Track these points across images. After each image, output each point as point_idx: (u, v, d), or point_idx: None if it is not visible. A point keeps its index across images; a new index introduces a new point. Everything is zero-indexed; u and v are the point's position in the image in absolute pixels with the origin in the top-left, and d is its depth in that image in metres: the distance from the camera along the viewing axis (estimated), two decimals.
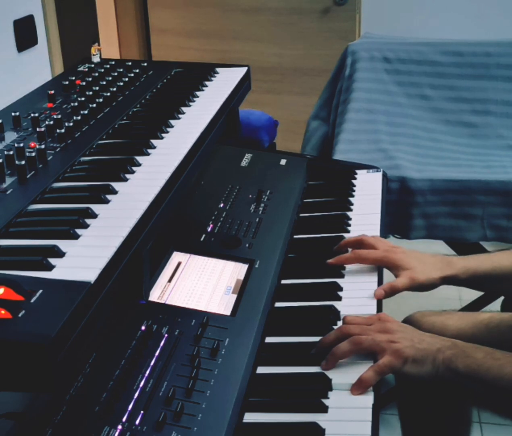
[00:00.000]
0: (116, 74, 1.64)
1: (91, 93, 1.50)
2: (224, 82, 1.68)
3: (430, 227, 2.18)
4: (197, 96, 1.58)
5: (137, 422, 0.97)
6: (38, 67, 2.02)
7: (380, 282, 1.37)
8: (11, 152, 1.19)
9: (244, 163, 1.79)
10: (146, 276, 1.12)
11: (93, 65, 1.70)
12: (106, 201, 1.09)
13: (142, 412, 0.98)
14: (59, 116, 1.36)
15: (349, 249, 1.44)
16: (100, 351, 1.07)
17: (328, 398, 1.07)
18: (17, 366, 0.78)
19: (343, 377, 1.11)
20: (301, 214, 1.64)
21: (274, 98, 3.33)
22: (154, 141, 1.32)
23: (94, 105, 1.43)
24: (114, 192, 1.12)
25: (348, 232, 1.54)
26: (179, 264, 1.34)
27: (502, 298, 2.35)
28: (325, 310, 1.27)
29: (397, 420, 1.62)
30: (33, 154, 1.18)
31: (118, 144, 1.33)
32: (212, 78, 1.70)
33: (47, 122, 1.33)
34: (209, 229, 1.47)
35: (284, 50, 3.30)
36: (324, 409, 1.05)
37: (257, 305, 1.26)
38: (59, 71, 2.10)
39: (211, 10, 3.35)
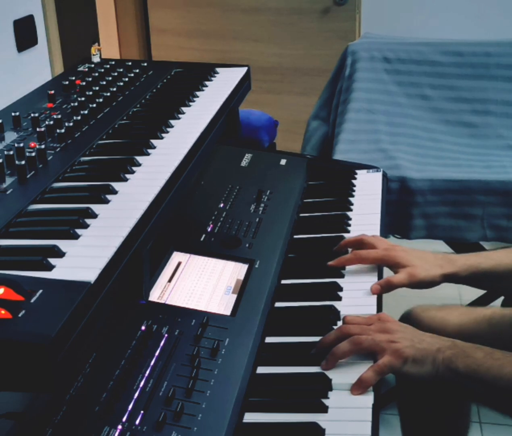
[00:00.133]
0: (116, 74, 1.64)
1: (91, 93, 1.50)
2: (224, 82, 1.68)
3: (430, 227, 2.18)
4: (197, 96, 1.58)
5: (137, 422, 0.97)
6: (38, 67, 2.02)
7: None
8: (11, 152, 1.19)
9: (244, 163, 1.79)
10: (146, 276, 1.12)
11: (93, 65, 1.70)
12: (106, 201, 1.09)
13: (142, 412, 0.98)
14: (59, 116, 1.36)
15: (349, 249, 1.44)
16: (100, 351, 1.07)
17: (328, 398, 1.07)
18: (17, 366, 0.78)
19: (343, 377, 1.11)
20: (301, 215, 1.64)
21: (274, 98, 3.33)
22: (154, 141, 1.32)
23: (94, 105, 1.43)
24: (114, 192, 1.12)
25: (348, 232, 1.54)
26: (179, 264, 1.34)
27: (502, 297, 2.35)
28: (325, 310, 1.27)
29: (397, 420, 1.62)
30: (33, 154, 1.18)
31: (118, 144, 1.33)
32: (212, 78, 1.70)
33: (47, 122, 1.33)
34: (209, 229, 1.47)
35: (284, 50, 3.30)
36: (324, 409, 1.05)
37: (257, 305, 1.26)
38: (59, 71, 2.10)
39: (211, 10, 3.35)
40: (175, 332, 1.14)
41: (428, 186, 2.15)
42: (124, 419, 0.97)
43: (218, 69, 1.76)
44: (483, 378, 1.10)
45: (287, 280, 1.38)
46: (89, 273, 0.88)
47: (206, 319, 1.17)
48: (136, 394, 1.01)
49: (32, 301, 0.82)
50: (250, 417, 1.04)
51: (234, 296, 1.27)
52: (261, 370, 1.14)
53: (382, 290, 1.32)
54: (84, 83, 1.57)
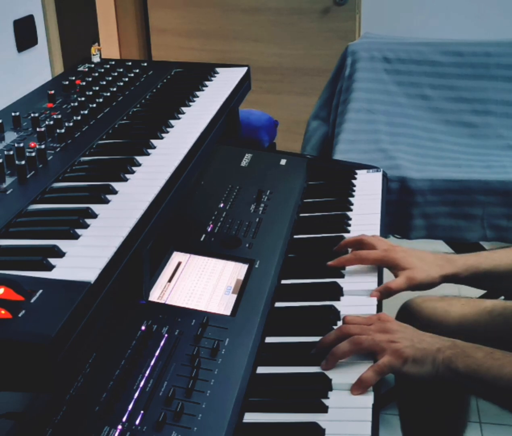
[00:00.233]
0: (116, 74, 1.64)
1: (91, 93, 1.50)
2: (224, 82, 1.68)
3: (430, 227, 2.18)
4: (197, 96, 1.58)
5: (137, 422, 0.97)
6: (38, 67, 2.02)
7: (380, 281, 1.37)
8: (11, 152, 1.19)
9: (244, 163, 1.79)
10: (146, 276, 1.12)
11: (93, 65, 1.70)
12: (106, 201, 1.09)
13: (142, 412, 0.98)
14: (59, 116, 1.36)
15: (349, 249, 1.44)
16: (100, 351, 1.07)
17: (328, 398, 1.07)
18: (17, 366, 0.78)
19: (343, 377, 1.11)
20: (301, 215, 1.64)
21: (274, 98, 3.33)
22: (154, 141, 1.32)
23: (94, 105, 1.43)
24: (114, 192, 1.12)
25: (348, 232, 1.54)
26: (179, 264, 1.34)
27: (502, 298, 2.35)
28: (325, 310, 1.27)
29: (397, 420, 1.62)
30: (33, 154, 1.18)
31: (118, 144, 1.33)
32: (212, 78, 1.70)
33: (47, 122, 1.33)
34: (209, 229, 1.47)
35: (284, 50, 3.30)
36: (324, 409, 1.05)
37: (257, 305, 1.25)
38: (59, 71, 2.10)
39: (211, 10, 3.35)
40: (175, 332, 1.14)
41: (428, 186, 2.15)
42: (124, 419, 0.97)
43: (218, 69, 1.76)
44: (483, 378, 1.10)
45: (287, 280, 1.38)
46: (89, 273, 0.88)
47: (206, 319, 1.17)
48: (136, 394, 1.01)
49: (32, 301, 0.82)
50: (250, 417, 1.04)
51: (234, 296, 1.27)
52: (261, 370, 1.14)
53: (381, 296, 1.32)
54: (84, 83, 1.57)
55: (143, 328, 1.13)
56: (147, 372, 1.05)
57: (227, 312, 1.23)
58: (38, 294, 0.83)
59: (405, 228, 2.19)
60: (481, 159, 2.32)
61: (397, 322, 1.21)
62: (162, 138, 1.34)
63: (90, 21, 2.76)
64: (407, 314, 1.49)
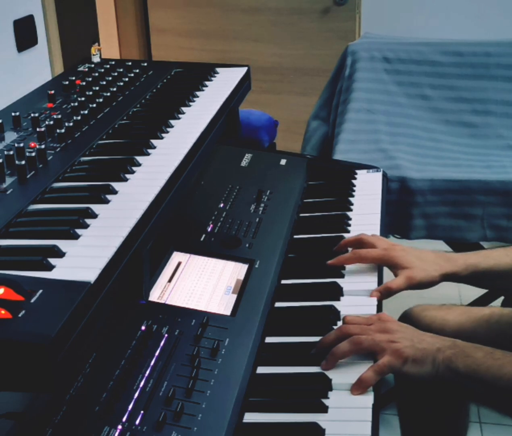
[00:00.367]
0: (116, 74, 1.64)
1: (91, 93, 1.50)
2: (224, 82, 1.68)
3: (430, 227, 2.18)
4: (197, 96, 1.58)
5: (137, 422, 0.97)
6: (38, 67, 2.02)
7: (380, 281, 1.37)
8: (11, 152, 1.19)
9: (244, 163, 1.79)
10: (146, 276, 1.12)
11: (93, 65, 1.70)
12: (106, 201, 1.09)
13: (142, 412, 0.98)
14: (59, 116, 1.36)
15: (349, 249, 1.44)
16: (100, 351, 1.07)
17: (328, 398, 1.07)
18: (17, 366, 0.78)
19: (343, 377, 1.11)
20: (301, 214, 1.64)
21: (274, 98, 3.33)
22: (154, 141, 1.32)
23: (94, 105, 1.43)
24: (114, 192, 1.12)
25: (348, 232, 1.54)
26: (179, 264, 1.34)
27: (502, 297, 2.35)
28: (325, 310, 1.27)
29: (397, 420, 1.62)
30: (33, 154, 1.18)
31: (118, 144, 1.33)
32: (212, 78, 1.70)
33: (47, 122, 1.33)
34: (209, 229, 1.47)
35: (284, 50, 3.30)
36: (324, 409, 1.05)
37: (257, 305, 1.25)
38: (59, 71, 2.10)
39: (211, 10, 3.35)
40: (175, 332, 1.14)
41: (428, 186, 2.15)
42: (124, 419, 0.97)
43: (218, 69, 1.76)
44: (483, 377, 1.10)
45: (287, 280, 1.38)
46: (89, 273, 0.88)
47: (206, 319, 1.17)
48: (136, 394, 1.01)
49: (32, 301, 0.82)
50: (250, 417, 1.04)
51: (234, 296, 1.27)
52: (261, 370, 1.14)
53: (381, 296, 1.32)
54: (84, 83, 1.57)
55: (143, 328, 1.13)
56: (147, 372, 1.05)
57: (227, 312, 1.23)
58: (38, 294, 0.83)
59: (405, 228, 2.19)
60: (481, 159, 2.32)
61: (397, 322, 1.22)
62: (162, 138, 1.34)
63: (90, 21, 2.76)
64: (406, 322, 1.49)
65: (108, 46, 3.40)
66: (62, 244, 0.95)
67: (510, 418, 1.23)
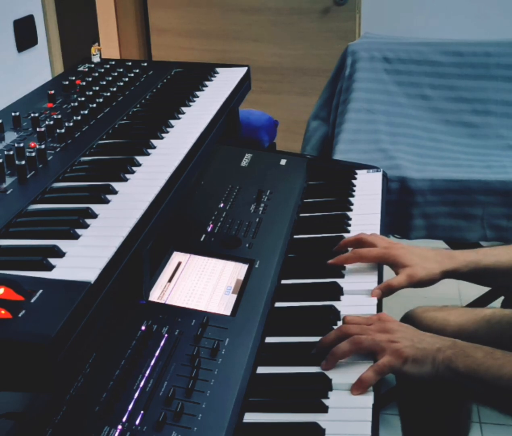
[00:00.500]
0: (116, 74, 1.64)
1: (91, 93, 1.50)
2: (224, 82, 1.68)
3: (430, 227, 2.18)
4: (197, 96, 1.58)
5: (137, 422, 0.97)
6: (38, 67, 2.02)
7: (380, 281, 1.37)
8: (11, 152, 1.19)
9: (244, 163, 1.79)
10: (146, 276, 1.12)
11: (93, 65, 1.70)
12: (106, 201, 1.09)
13: (142, 412, 0.98)
14: (59, 116, 1.36)
15: (349, 249, 1.44)
16: (100, 351, 1.07)
17: (328, 398, 1.07)
18: (17, 366, 0.78)
19: (343, 377, 1.10)
20: (301, 214, 1.64)
21: (274, 98, 3.33)
22: (154, 141, 1.32)
23: (94, 105, 1.43)
24: (114, 192, 1.12)
25: (348, 232, 1.54)
26: (179, 264, 1.34)
27: (502, 297, 2.35)
28: (325, 310, 1.27)
29: (397, 420, 1.62)
30: (33, 154, 1.18)
31: (118, 144, 1.33)
32: (212, 78, 1.70)
33: (47, 122, 1.33)
34: (209, 229, 1.47)
35: (284, 50, 3.30)
36: (324, 409, 1.05)
37: (257, 305, 1.25)
38: (59, 71, 2.10)
39: (211, 10, 3.35)
40: (175, 332, 1.14)
41: (428, 186, 2.15)
42: (124, 419, 0.97)
43: (218, 69, 1.76)
44: (483, 377, 1.10)
45: (287, 280, 1.38)
46: (89, 273, 0.88)
47: (206, 319, 1.17)
48: (136, 394, 1.01)
49: (32, 301, 0.82)
50: (250, 417, 1.04)
51: (234, 296, 1.27)
52: (261, 370, 1.14)
53: (382, 294, 1.32)
54: (84, 83, 1.57)
55: (143, 328, 1.13)
56: (147, 372, 1.05)
57: (227, 312, 1.23)
58: (38, 294, 0.83)
59: (405, 228, 2.19)
60: (481, 159, 2.32)
61: (397, 322, 1.21)
62: (162, 138, 1.34)
63: (90, 21, 2.76)
64: (408, 324, 1.49)
65: (108, 46, 3.41)
66: (62, 244, 0.95)
67: (510, 418, 1.23)
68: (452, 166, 2.26)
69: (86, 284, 0.86)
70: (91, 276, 0.88)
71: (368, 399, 1.07)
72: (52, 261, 0.91)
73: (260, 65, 3.20)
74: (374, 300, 1.30)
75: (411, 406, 1.56)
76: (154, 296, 1.24)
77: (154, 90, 1.61)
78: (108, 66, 1.69)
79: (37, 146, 1.22)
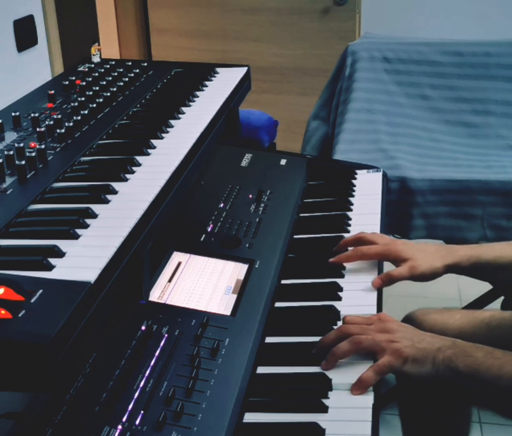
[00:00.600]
0: (116, 74, 1.64)
1: (91, 93, 1.50)
2: (224, 82, 1.68)
3: (430, 227, 2.18)
4: (197, 96, 1.58)
5: (137, 422, 0.97)
6: (38, 67, 2.02)
7: None
8: (11, 152, 1.19)
9: (244, 163, 1.79)
10: (146, 276, 1.12)
11: (93, 65, 1.70)
12: (106, 201, 1.09)
13: (142, 412, 0.98)
14: (59, 116, 1.36)
15: (349, 248, 1.44)
16: (100, 351, 1.07)
17: (328, 398, 1.07)
18: (17, 366, 0.78)
19: (343, 377, 1.10)
20: (301, 214, 1.64)
21: (274, 98, 3.33)
22: (154, 141, 1.32)
23: (94, 105, 1.43)
24: (114, 192, 1.12)
25: (348, 232, 1.54)
26: (179, 264, 1.34)
27: (502, 298, 2.35)
28: (325, 310, 1.27)
29: (397, 420, 1.62)
30: (33, 154, 1.18)
31: (118, 144, 1.33)
32: (212, 78, 1.70)
33: (47, 122, 1.33)
34: (209, 229, 1.47)
35: (284, 50, 3.31)
36: (324, 409, 1.05)
37: (257, 305, 1.25)
38: (59, 71, 2.10)
39: (211, 10, 3.35)
40: (175, 332, 1.14)
41: (428, 186, 2.16)
42: (124, 419, 0.97)
43: (218, 69, 1.76)
44: (483, 377, 1.10)
45: (287, 280, 1.38)
46: (89, 273, 0.88)
47: (206, 319, 1.17)
48: (136, 394, 1.01)
49: (32, 301, 0.82)
50: (250, 417, 1.04)
51: (234, 296, 1.27)
52: (261, 370, 1.14)
53: (383, 284, 1.32)
54: (84, 83, 1.57)
55: (143, 328, 1.13)
56: (147, 372, 1.05)
57: (227, 312, 1.23)
58: (38, 294, 0.83)
59: (405, 228, 2.19)
60: (481, 159, 2.32)
61: (397, 321, 1.21)
62: (162, 138, 1.34)
63: (90, 21, 2.76)
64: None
65: (108, 46, 3.40)
66: (62, 244, 0.95)
67: (510, 419, 1.23)
68: (452, 166, 2.26)
69: (86, 284, 0.86)
70: (91, 276, 0.88)
71: (368, 399, 1.07)
72: (52, 261, 0.91)
73: (260, 65, 3.20)
74: (374, 300, 1.30)
75: (411, 406, 1.56)
76: (154, 296, 1.24)
77: (154, 90, 1.61)
78: (108, 66, 1.69)
79: (37, 146, 1.22)
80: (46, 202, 1.10)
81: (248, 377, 1.10)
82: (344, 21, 3.18)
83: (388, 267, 1.39)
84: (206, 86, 1.65)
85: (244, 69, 1.75)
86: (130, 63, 1.71)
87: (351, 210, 1.64)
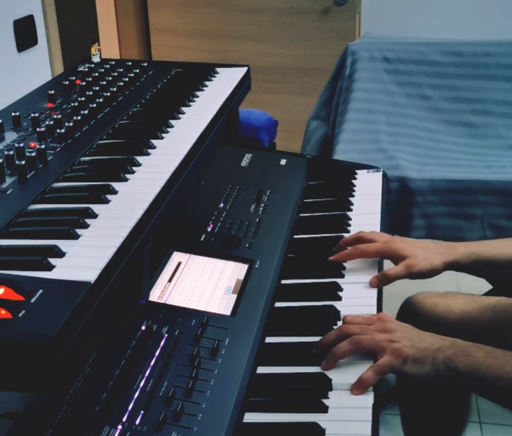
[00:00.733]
0: (116, 74, 1.64)
1: (91, 93, 1.50)
2: (224, 82, 1.68)
3: (430, 227, 2.18)
4: (197, 96, 1.58)
5: (137, 422, 0.97)
6: (38, 67, 2.02)
7: None
8: (11, 152, 1.19)
9: (244, 163, 1.79)
10: (146, 276, 1.12)
11: (93, 65, 1.70)
12: (106, 201, 1.09)
13: (142, 412, 0.98)
14: (59, 116, 1.36)
15: (349, 247, 1.44)
16: (100, 351, 1.07)
17: (328, 398, 1.07)
18: (17, 366, 0.78)
19: (343, 377, 1.10)
20: (301, 214, 1.64)
21: (274, 98, 3.33)
22: (154, 141, 1.32)
23: (94, 105, 1.43)
24: (114, 192, 1.12)
25: (348, 232, 1.54)
26: (179, 264, 1.34)
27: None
28: (325, 310, 1.27)
29: (397, 420, 1.63)
30: (33, 154, 1.18)
31: (118, 144, 1.33)
32: (212, 78, 1.70)
33: (47, 122, 1.33)
34: (209, 229, 1.47)
35: (284, 50, 3.31)
36: (324, 409, 1.05)
37: (257, 305, 1.25)
38: (59, 71, 2.10)
39: (211, 10, 3.35)
40: (175, 332, 1.14)
41: (428, 186, 2.16)
42: (124, 419, 0.97)
43: (218, 69, 1.76)
44: (483, 377, 1.10)
45: (287, 280, 1.38)
46: (89, 273, 0.88)
47: (206, 319, 1.17)
48: (136, 394, 1.01)
49: (32, 301, 0.82)
50: (250, 417, 1.04)
51: (234, 296, 1.27)
52: (261, 370, 1.14)
53: (379, 283, 1.32)
54: (84, 83, 1.57)
55: (143, 328, 1.13)
56: (147, 372, 1.05)
57: (227, 312, 1.23)
58: (38, 294, 0.83)
59: (405, 228, 2.19)
60: (481, 159, 2.33)
61: (397, 321, 1.21)
62: (162, 138, 1.34)
63: (90, 21, 2.76)
64: (409, 309, 1.49)
65: (108, 46, 3.41)
66: (62, 244, 0.95)
67: (510, 411, 1.23)
68: (452, 166, 2.27)
69: (86, 284, 0.86)
70: (91, 276, 0.88)
71: (368, 399, 1.07)
72: (52, 261, 0.91)
73: (260, 65, 3.20)
74: (374, 300, 1.30)
75: (411, 406, 1.56)
76: (154, 296, 1.24)
77: (154, 90, 1.61)
78: (108, 66, 1.69)
79: (37, 146, 1.22)
80: (46, 202, 1.10)
81: (248, 377, 1.10)
82: (344, 21, 3.18)
83: (388, 265, 1.39)
84: (206, 86, 1.65)
85: (244, 69, 1.75)
86: (130, 63, 1.71)
87: (351, 210, 1.64)
